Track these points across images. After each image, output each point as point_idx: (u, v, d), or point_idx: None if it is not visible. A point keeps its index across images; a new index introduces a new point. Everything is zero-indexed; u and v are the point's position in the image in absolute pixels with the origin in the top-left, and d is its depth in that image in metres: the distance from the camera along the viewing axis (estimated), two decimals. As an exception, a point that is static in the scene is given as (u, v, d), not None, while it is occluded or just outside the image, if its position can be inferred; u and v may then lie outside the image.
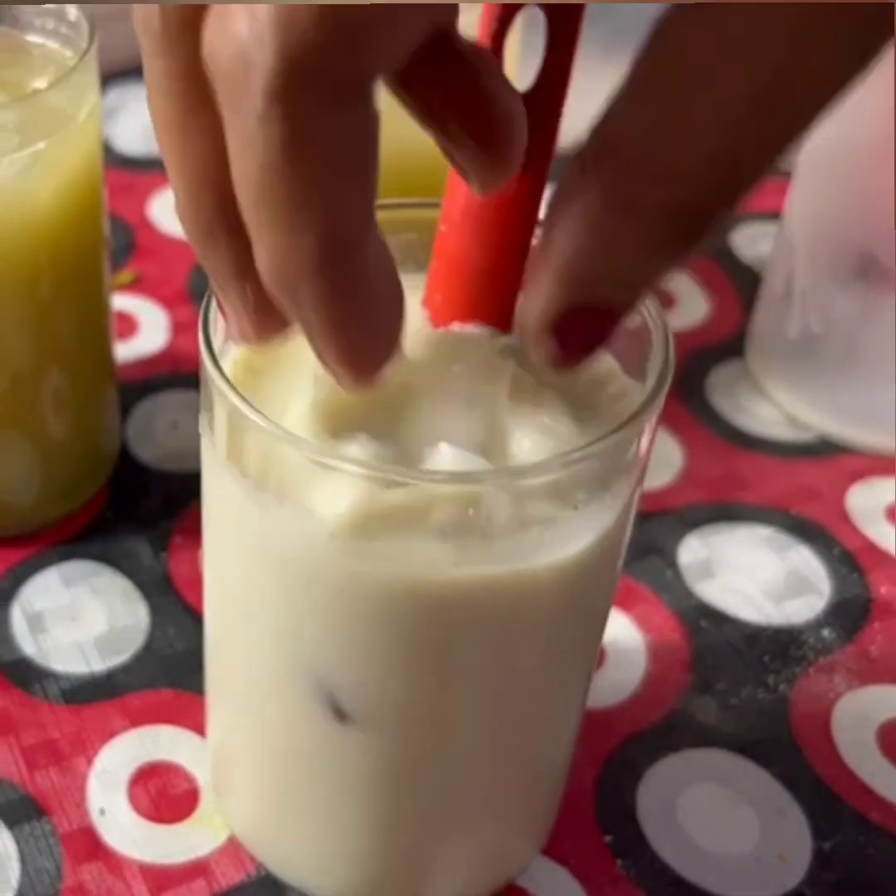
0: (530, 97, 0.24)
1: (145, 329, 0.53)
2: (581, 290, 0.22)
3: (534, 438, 0.26)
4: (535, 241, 0.24)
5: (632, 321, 0.29)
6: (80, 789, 0.37)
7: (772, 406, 0.50)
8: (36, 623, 0.42)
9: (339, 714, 0.29)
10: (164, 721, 0.39)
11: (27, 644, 0.41)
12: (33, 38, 0.41)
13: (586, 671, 0.32)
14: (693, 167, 0.20)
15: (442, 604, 0.27)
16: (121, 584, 0.43)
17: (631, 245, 0.21)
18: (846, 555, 0.45)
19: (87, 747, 0.38)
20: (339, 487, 0.25)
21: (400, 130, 0.44)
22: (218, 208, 0.22)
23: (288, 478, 0.26)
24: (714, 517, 0.46)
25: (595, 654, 0.33)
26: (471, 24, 0.24)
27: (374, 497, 0.25)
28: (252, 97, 0.19)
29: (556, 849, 0.36)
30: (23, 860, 0.36)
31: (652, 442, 0.27)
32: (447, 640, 0.28)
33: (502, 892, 0.35)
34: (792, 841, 0.36)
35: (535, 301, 0.23)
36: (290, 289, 0.21)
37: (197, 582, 0.43)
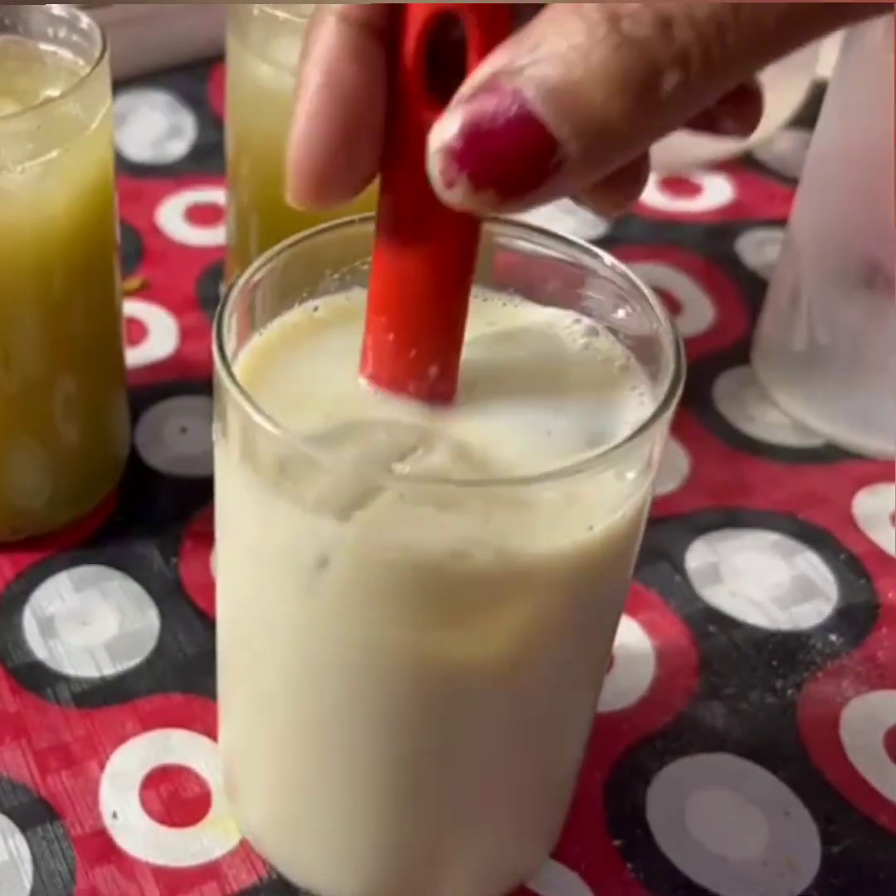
0: None
1: (154, 335, 0.53)
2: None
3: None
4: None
5: (643, 327, 0.29)
6: (93, 792, 0.37)
7: (778, 412, 0.50)
8: (47, 627, 0.42)
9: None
10: (176, 725, 0.39)
11: (39, 648, 0.41)
12: (45, 47, 0.41)
13: (597, 674, 0.33)
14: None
15: (455, 594, 0.27)
16: (131, 588, 0.43)
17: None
18: (853, 560, 0.45)
19: (98, 751, 0.38)
20: (351, 489, 0.25)
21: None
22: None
23: (301, 481, 0.26)
24: (721, 523, 0.46)
25: (606, 657, 0.33)
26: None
27: (385, 498, 0.25)
28: None
29: (565, 852, 0.36)
30: (36, 863, 0.36)
31: (664, 448, 0.28)
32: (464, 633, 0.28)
33: (513, 896, 0.35)
34: (800, 845, 0.37)
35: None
36: None
37: (207, 586, 0.43)
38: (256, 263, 0.29)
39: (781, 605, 0.43)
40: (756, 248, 0.58)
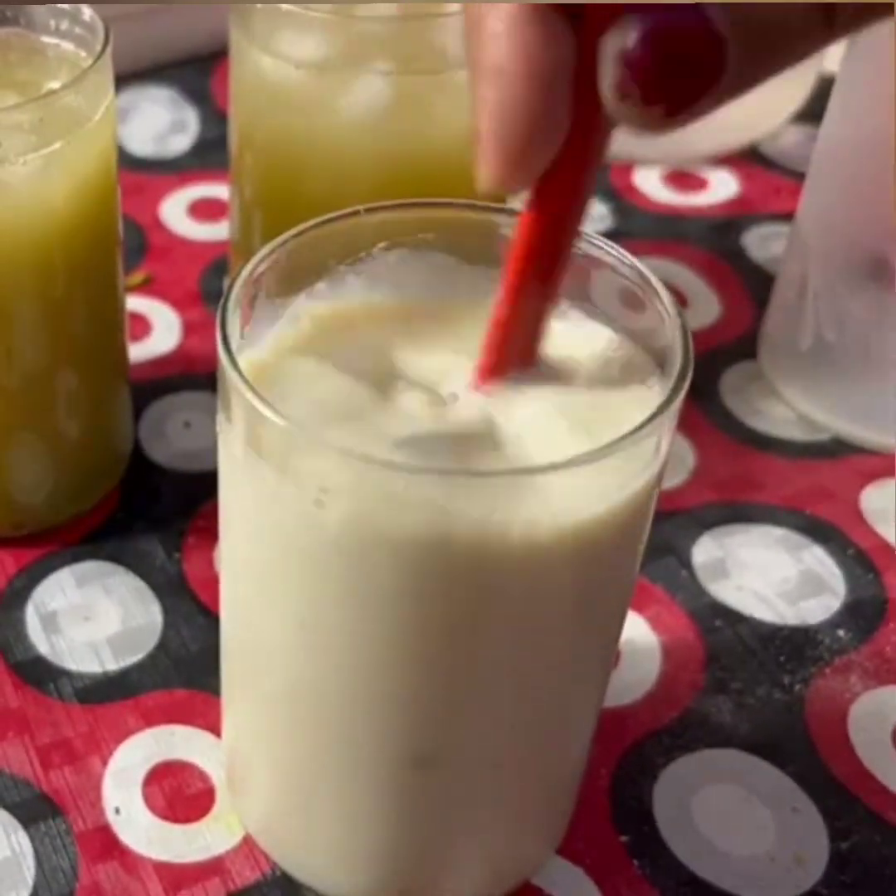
0: None
1: (158, 330, 0.53)
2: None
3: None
4: None
5: (648, 320, 0.29)
6: (96, 788, 0.37)
7: (785, 407, 0.50)
8: (49, 622, 0.42)
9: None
10: (179, 721, 0.39)
11: (41, 643, 0.41)
12: (48, 39, 0.41)
13: (604, 668, 0.32)
14: None
15: (463, 584, 0.27)
16: (134, 583, 0.43)
17: None
18: (861, 555, 0.45)
19: (101, 746, 0.38)
20: (360, 480, 0.25)
21: (415, 127, 0.45)
22: None
23: (307, 472, 0.26)
24: (728, 518, 0.46)
25: (612, 652, 0.33)
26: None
27: (391, 483, 0.25)
28: None
29: (571, 848, 0.36)
30: (38, 859, 0.36)
31: (670, 441, 0.27)
32: (468, 625, 0.28)
33: (518, 892, 0.35)
34: (808, 841, 0.36)
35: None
36: None
37: (210, 581, 0.43)
38: (261, 253, 0.29)
39: (789, 600, 0.43)
40: (762, 243, 0.58)
